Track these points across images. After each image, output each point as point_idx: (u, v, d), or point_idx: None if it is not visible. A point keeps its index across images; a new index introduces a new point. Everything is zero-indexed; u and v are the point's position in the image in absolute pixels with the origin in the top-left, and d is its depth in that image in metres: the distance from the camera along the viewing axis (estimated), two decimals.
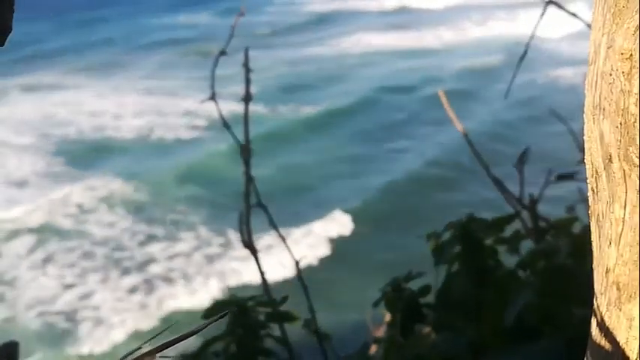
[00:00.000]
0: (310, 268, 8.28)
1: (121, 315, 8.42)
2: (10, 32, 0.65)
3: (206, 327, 0.47)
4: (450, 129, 14.47)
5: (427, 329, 1.75)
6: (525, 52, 1.90)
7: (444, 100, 1.89)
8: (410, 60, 20.38)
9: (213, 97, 1.72)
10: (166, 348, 0.43)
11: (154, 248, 10.43)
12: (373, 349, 1.91)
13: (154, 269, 9.74)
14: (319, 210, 10.75)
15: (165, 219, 11.55)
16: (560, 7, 1.63)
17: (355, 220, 10.17)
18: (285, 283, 7.84)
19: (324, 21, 27.67)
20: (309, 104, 16.83)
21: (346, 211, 10.50)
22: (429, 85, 16.58)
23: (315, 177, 12.47)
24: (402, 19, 27.11)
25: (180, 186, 12.61)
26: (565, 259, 1.61)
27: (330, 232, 9.94)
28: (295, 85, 18.67)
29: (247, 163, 1.69)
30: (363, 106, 16.34)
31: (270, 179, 11.40)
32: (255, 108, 15.72)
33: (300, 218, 10.36)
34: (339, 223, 10.15)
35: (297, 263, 1.75)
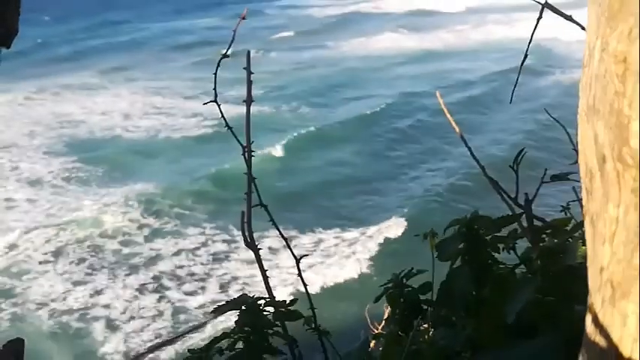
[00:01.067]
0: None
1: None
2: (16, 34, 0.66)
3: (205, 324, 0.48)
4: (483, 133, 14.57)
5: (426, 325, 1.76)
6: (525, 57, 1.91)
7: (440, 101, 1.90)
8: (436, 63, 20.28)
9: (215, 100, 1.73)
10: (168, 344, 0.44)
11: (160, 244, 10.50)
12: (372, 345, 1.92)
13: (161, 267, 9.79)
14: (379, 213, 10.97)
15: (171, 214, 11.59)
16: (555, 10, 1.64)
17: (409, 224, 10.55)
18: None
19: (337, 24, 27.54)
20: (339, 107, 16.83)
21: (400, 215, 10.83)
22: (456, 90, 16.47)
23: (368, 177, 12.71)
24: (422, 22, 26.94)
25: (192, 184, 12.68)
26: (571, 258, 1.61)
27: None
28: (321, 88, 18.66)
29: (249, 164, 1.71)
30: (396, 108, 16.34)
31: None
32: (279, 111, 15.73)
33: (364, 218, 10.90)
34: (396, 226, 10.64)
35: (297, 261, 1.77)
